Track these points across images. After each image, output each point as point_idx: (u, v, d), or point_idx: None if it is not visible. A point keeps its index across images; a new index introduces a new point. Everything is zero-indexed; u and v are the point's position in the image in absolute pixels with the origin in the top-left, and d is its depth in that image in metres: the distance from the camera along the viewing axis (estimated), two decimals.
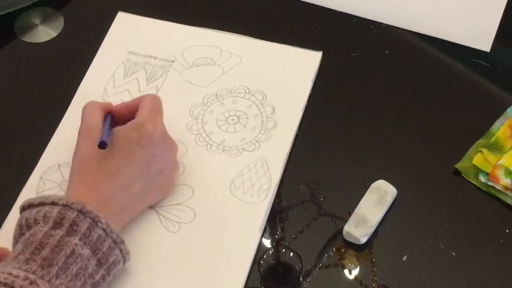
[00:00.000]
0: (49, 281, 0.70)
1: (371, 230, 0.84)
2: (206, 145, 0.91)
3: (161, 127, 0.85)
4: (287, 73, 0.96)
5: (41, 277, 0.70)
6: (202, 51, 0.99)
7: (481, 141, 0.90)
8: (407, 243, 0.85)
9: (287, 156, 0.90)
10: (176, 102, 0.95)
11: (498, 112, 0.92)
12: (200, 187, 0.88)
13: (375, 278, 0.83)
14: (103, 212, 0.76)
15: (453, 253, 0.84)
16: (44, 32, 1.02)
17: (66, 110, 0.94)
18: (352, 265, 0.84)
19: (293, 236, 0.86)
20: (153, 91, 0.96)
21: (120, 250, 0.77)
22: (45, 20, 1.03)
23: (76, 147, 0.83)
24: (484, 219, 0.86)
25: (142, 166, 0.82)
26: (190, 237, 0.85)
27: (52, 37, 1.02)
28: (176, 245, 0.84)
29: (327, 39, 1.00)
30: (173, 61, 0.98)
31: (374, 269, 0.83)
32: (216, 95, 0.95)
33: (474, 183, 0.88)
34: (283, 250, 0.81)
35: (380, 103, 0.95)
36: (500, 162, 0.87)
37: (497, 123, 0.91)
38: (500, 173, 0.87)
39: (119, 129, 0.83)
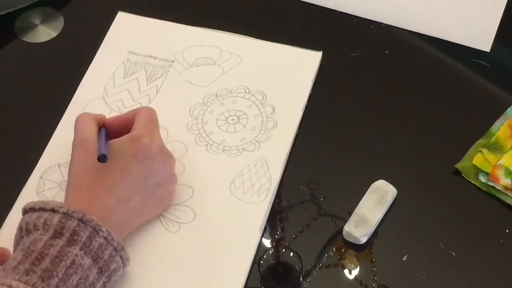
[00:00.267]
0: None
1: (371, 230, 0.84)
2: (206, 145, 0.91)
3: (158, 140, 0.84)
4: (287, 73, 0.96)
5: None
6: (202, 51, 0.99)
7: (481, 141, 0.90)
8: (407, 243, 0.85)
9: (287, 156, 0.90)
10: (176, 102, 0.95)
11: (498, 112, 0.92)
12: (200, 187, 0.88)
13: (375, 278, 0.83)
14: None
15: (453, 253, 0.84)
16: (44, 32, 1.02)
17: (66, 110, 0.94)
18: (352, 265, 0.84)
19: (293, 236, 0.86)
20: (153, 91, 0.96)
21: (121, 257, 0.77)
22: (45, 20, 1.03)
23: (71, 159, 0.82)
24: (484, 219, 0.86)
25: (139, 180, 0.81)
26: (190, 237, 0.85)
27: (52, 37, 1.02)
28: (176, 245, 0.84)
29: (327, 39, 1.00)
30: (173, 61, 0.98)
31: (374, 269, 0.83)
32: (216, 95, 0.95)
33: (474, 183, 0.88)
34: (283, 250, 0.81)
35: (380, 103, 0.95)
36: (500, 162, 0.87)
37: (497, 123, 0.91)
38: (500, 173, 0.87)
39: (115, 142, 0.82)
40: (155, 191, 0.83)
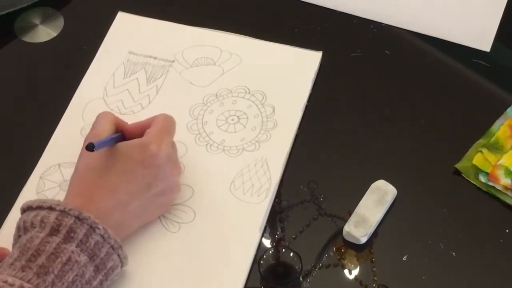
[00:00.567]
0: None
1: (371, 230, 0.84)
2: (206, 145, 0.91)
3: (167, 149, 0.82)
4: (287, 73, 0.96)
5: (37, 286, 0.70)
6: (202, 51, 0.99)
7: (481, 141, 0.90)
8: (407, 243, 0.85)
9: (287, 156, 0.90)
10: (176, 102, 0.95)
11: (498, 112, 0.92)
12: (200, 187, 0.88)
13: (375, 278, 0.83)
14: None
15: (453, 253, 0.84)
16: (44, 32, 1.02)
17: (66, 110, 0.94)
18: (352, 265, 0.84)
19: (293, 236, 0.86)
20: (153, 91, 0.96)
21: (118, 255, 0.77)
22: (45, 20, 1.03)
23: (80, 155, 0.82)
24: (484, 219, 0.86)
25: (142, 186, 0.80)
26: (190, 237, 0.85)
27: (52, 37, 1.02)
28: (176, 245, 0.84)
29: (327, 39, 1.00)
30: (173, 61, 0.98)
31: (374, 269, 0.83)
32: (216, 95, 0.95)
33: (474, 183, 0.88)
34: (283, 250, 0.81)
35: (380, 103, 0.95)
36: (500, 162, 0.87)
37: (497, 123, 0.91)
38: (500, 173, 0.87)
39: (123, 145, 0.82)
40: (157, 198, 0.83)
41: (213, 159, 0.90)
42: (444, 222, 0.86)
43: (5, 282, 0.69)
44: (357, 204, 0.85)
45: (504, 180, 0.86)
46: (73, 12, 1.04)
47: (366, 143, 0.92)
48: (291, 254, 0.80)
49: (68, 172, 0.85)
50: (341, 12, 1.02)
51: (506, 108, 0.92)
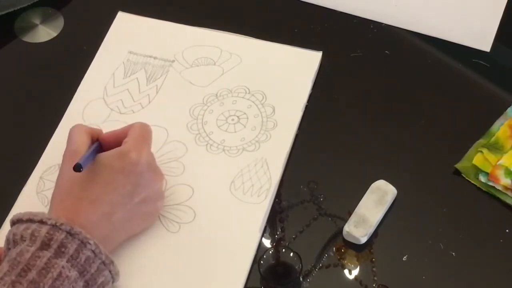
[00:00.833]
0: None
1: (371, 230, 0.84)
2: (206, 145, 0.91)
3: (147, 156, 0.82)
4: (287, 73, 0.96)
5: None
6: (202, 51, 0.99)
7: (481, 141, 0.90)
8: (407, 243, 0.85)
9: (287, 156, 0.90)
10: (176, 102, 0.95)
11: (498, 112, 0.92)
12: (200, 187, 0.88)
13: (375, 278, 0.83)
14: None
15: (453, 253, 0.84)
16: (44, 32, 1.02)
17: (66, 110, 0.94)
18: (352, 265, 0.84)
19: (293, 236, 0.86)
20: (153, 91, 0.96)
21: (110, 271, 0.76)
22: (45, 20, 1.03)
23: (59, 170, 0.82)
24: (484, 219, 0.86)
25: (124, 195, 0.80)
26: (190, 237, 0.85)
27: (52, 37, 1.02)
28: (176, 245, 0.84)
29: (327, 39, 1.00)
30: (173, 61, 0.98)
31: (374, 269, 0.83)
32: (216, 95, 0.95)
33: (474, 183, 0.88)
34: (283, 250, 0.81)
35: (380, 103, 0.95)
36: (500, 162, 0.87)
37: (497, 123, 0.91)
38: (500, 173, 0.87)
39: (103, 156, 0.81)
40: (140, 207, 0.82)
41: (213, 159, 0.90)
42: (444, 222, 0.86)
43: None
44: (357, 204, 0.85)
45: (504, 180, 0.86)
46: (73, 12, 1.04)
47: (366, 143, 0.92)
48: (291, 254, 0.80)
49: None
50: (341, 12, 1.02)
51: (506, 108, 0.92)
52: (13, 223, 0.77)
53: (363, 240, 0.83)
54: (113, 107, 0.95)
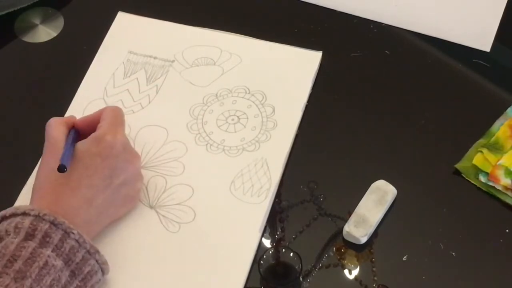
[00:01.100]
0: None
1: (371, 230, 0.84)
2: (206, 145, 0.91)
3: (122, 138, 0.84)
4: (287, 73, 0.96)
5: None
6: (202, 51, 0.99)
7: (481, 141, 0.90)
8: (407, 243, 0.85)
9: (287, 156, 0.90)
10: (176, 102, 0.95)
11: (498, 112, 0.92)
12: (200, 187, 0.88)
13: (375, 278, 0.83)
14: None
15: (453, 253, 0.84)
16: (44, 32, 1.02)
17: (66, 110, 0.94)
18: (352, 265, 0.84)
19: (293, 236, 0.86)
20: (153, 91, 0.96)
21: (96, 261, 0.76)
22: (45, 20, 1.03)
23: (40, 164, 0.83)
24: (484, 219, 0.86)
25: (103, 179, 0.81)
26: (190, 237, 0.85)
27: (52, 37, 1.02)
28: (176, 245, 0.84)
29: (327, 39, 1.00)
30: (173, 61, 0.98)
31: (374, 269, 0.83)
32: (216, 95, 0.95)
33: (474, 183, 0.88)
34: (283, 250, 0.81)
35: (380, 103, 0.95)
36: (500, 162, 0.87)
37: (497, 123, 0.91)
38: (500, 173, 0.87)
39: (80, 144, 0.82)
40: (121, 189, 0.83)
41: (213, 159, 0.90)
42: (444, 222, 0.86)
43: None
44: (357, 204, 0.85)
45: (504, 180, 0.86)
46: (73, 12, 1.04)
47: (366, 143, 0.92)
48: (291, 254, 0.80)
49: None
50: (341, 12, 1.02)
51: (506, 108, 0.92)
52: None
53: (363, 240, 0.83)
54: None
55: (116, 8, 1.03)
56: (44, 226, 0.74)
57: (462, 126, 0.92)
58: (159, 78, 0.97)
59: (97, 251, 0.77)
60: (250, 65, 0.98)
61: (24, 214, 0.75)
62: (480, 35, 1.00)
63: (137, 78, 0.97)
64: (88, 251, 0.76)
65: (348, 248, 0.85)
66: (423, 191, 0.88)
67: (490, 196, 0.87)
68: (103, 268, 0.78)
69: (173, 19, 1.02)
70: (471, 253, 0.84)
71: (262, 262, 0.80)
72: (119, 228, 0.85)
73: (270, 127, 0.92)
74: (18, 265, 0.71)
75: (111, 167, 0.81)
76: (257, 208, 0.86)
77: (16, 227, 0.74)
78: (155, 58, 0.99)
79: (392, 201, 0.86)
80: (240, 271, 0.82)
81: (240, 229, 0.85)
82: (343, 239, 0.85)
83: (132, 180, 0.84)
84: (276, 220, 0.87)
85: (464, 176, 0.88)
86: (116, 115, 0.85)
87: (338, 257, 0.84)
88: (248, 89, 0.96)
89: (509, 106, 0.93)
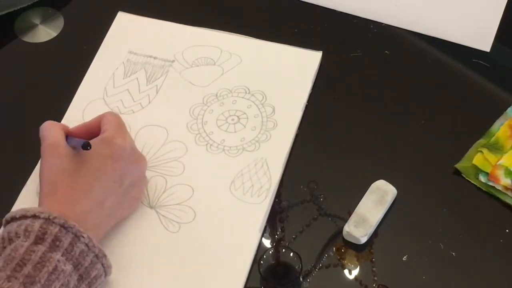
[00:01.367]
0: None
1: (371, 230, 0.84)
2: (206, 145, 0.91)
3: (131, 142, 0.84)
4: (287, 73, 0.96)
5: None
6: (202, 51, 0.99)
7: (481, 141, 0.90)
8: (407, 243, 0.85)
9: (287, 156, 0.90)
10: (176, 102, 0.95)
11: (498, 112, 0.92)
12: (200, 187, 0.88)
13: (375, 278, 0.83)
14: None
15: (453, 253, 0.84)
16: (44, 32, 1.02)
17: (66, 111, 0.94)
18: (352, 265, 0.84)
19: (293, 236, 0.86)
20: (153, 91, 0.96)
21: (102, 265, 0.76)
22: (45, 20, 1.03)
23: (41, 166, 0.82)
24: (484, 219, 0.86)
25: (114, 180, 0.81)
26: (190, 237, 0.85)
27: (52, 37, 1.02)
28: (176, 245, 0.84)
29: (327, 39, 1.00)
30: (173, 61, 0.98)
31: (374, 269, 0.83)
32: (216, 95, 0.95)
33: (474, 183, 0.88)
34: (283, 250, 0.81)
35: (380, 103, 0.95)
36: (500, 162, 0.87)
37: (497, 123, 0.91)
38: (500, 173, 0.87)
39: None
40: (129, 192, 0.83)
41: (213, 159, 0.90)
42: (444, 222, 0.86)
43: None
44: (357, 204, 0.85)
45: (504, 180, 0.86)
46: (73, 12, 1.04)
47: (366, 143, 0.92)
48: (291, 254, 0.80)
49: None
50: (341, 12, 1.02)
51: (506, 108, 0.92)
52: (7, 222, 0.77)
53: (363, 240, 0.83)
54: (113, 107, 0.95)
55: (116, 8, 1.03)
56: (54, 229, 0.74)
57: (462, 126, 0.92)
58: (159, 78, 0.97)
59: (105, 255, 0.76)
60: (250, 65, 0.98)
61: (34, 216, 0.75)
62: (480, 35, 1.00)
63: (137, 78, 0.97)
64: (96, 255, 0.76)
65: (348, 248, 0.85)
66: (423, 191, 0.88)
67: (490, 196, 0.87)
68: (107, 271, 0.78)
69: (173, 19, 1.02)
70: (471, 253, 0.84)
71: (262, 262, 0.80)
72: (119, 228, 0.85)
73: (270, 127, 0.92)
74: (27, 269, 0.71)
75: (122, 169, 0.81)
76: (257, 208, 0.86)
77: (26, 230, 0.74)
78: (155, 58, 0.99)
79: (392, 201, 0.86)
80: (240, 271, 0.82)
81: (240, 229, 0.85)
82: (343, 239, 0.85)
83: (139, 182, 0.85)
84: (276, 220, 0.87)
85: (464, 176, 0.88)
86: (119, 120, 0.85)
87: (338, 257, 0.84)
88: (248, 89, 0.96)
89: (509, 106, 0.93)
